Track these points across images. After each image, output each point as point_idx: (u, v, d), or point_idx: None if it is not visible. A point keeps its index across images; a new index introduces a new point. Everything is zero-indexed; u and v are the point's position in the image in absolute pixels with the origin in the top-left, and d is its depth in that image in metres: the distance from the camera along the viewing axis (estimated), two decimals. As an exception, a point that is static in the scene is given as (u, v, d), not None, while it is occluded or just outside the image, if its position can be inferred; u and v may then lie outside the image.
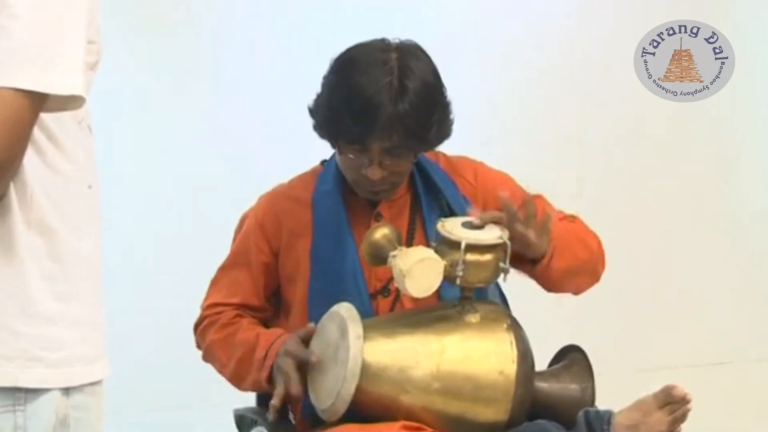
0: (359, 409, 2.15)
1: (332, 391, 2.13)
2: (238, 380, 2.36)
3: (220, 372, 2.39)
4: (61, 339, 1.55)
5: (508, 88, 4.26)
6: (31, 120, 1.45)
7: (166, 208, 3.85)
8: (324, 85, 2.32)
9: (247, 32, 3.99)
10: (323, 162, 2.44)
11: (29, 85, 1.42)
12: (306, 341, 2.23)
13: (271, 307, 2.43)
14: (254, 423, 2.41)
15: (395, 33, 2.33)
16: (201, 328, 2.41)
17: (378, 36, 2.32)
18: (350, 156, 2.27)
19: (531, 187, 2.38)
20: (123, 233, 3.60)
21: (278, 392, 2.21)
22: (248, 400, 2.50)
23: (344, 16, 3.96)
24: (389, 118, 2.19)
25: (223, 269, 2.44)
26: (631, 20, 3.96)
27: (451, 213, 2.34)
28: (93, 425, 1.61)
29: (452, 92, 2.30)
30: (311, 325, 2.24)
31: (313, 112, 2.33)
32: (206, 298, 2.43)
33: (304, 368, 2.21)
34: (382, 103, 2.19)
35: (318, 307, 2.26)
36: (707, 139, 4.55)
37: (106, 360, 1.64)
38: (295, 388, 2.19)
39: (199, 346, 2.44)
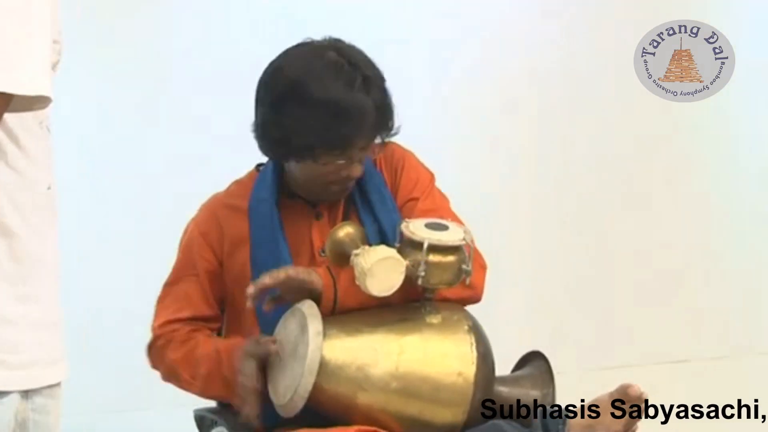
0: (317, 407, 2.15)
1: (290, 387, 2.13)
2: (208, 395, 2.36)
3: (185, 389, 2.35)
4: (21, 341, 1.54)
5: (506, 88, 4.26)
6: (-4, 120, 1.44)
7: (125, 209, 3.83)
8: (273, 105, 2.24)
9: (222, 28, 3.99)
10: (258, 166, 2.41)
11: None
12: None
13: (222, 315, 2.40)
14: (214, 423, 2.40)
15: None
16: (156, 348, 2.36)
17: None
18: (325, 164, 2.23)
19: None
20: (81, 234, 3.57)
21: (245, 406, 2.20)
22: (208, 400, 2.49)
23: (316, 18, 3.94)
24: (369, 112, 2.19)
25: (169, 285, 2.39)
26: (631, 20, 3.96)
27: (371, 207, 2.34)
28: (52, 427, 1.60)
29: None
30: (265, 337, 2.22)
31: (262, 135, 2.27)
32: (156, 317, 2.38)
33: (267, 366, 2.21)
34: (360, 100, 2.18)
35: (266, 313, 2.24)
36: (704, 139, 4.57)
37: (65, 362, 1.63)
38: (253, 391, 2.19)
39: (155, 367, 2.38)
